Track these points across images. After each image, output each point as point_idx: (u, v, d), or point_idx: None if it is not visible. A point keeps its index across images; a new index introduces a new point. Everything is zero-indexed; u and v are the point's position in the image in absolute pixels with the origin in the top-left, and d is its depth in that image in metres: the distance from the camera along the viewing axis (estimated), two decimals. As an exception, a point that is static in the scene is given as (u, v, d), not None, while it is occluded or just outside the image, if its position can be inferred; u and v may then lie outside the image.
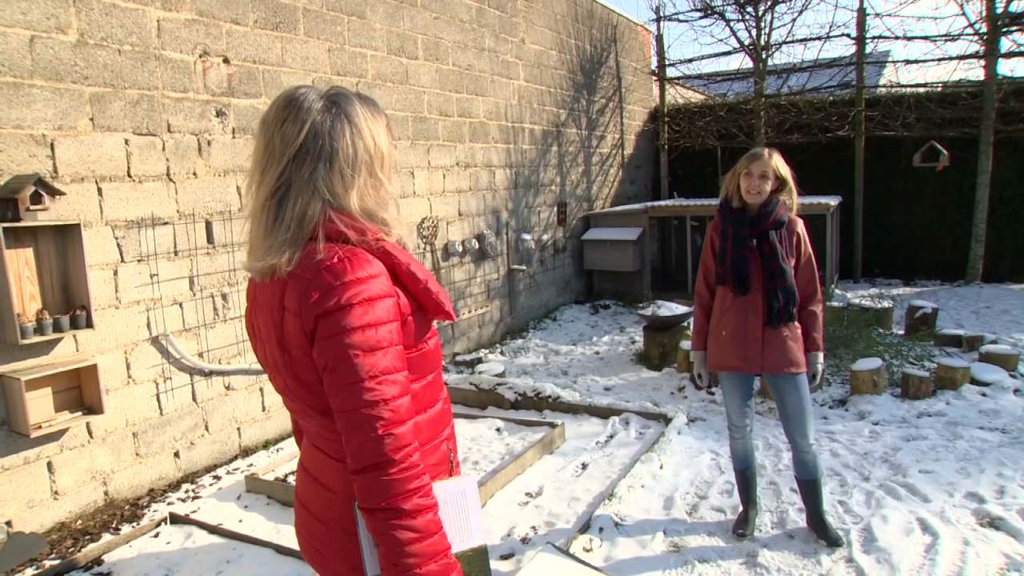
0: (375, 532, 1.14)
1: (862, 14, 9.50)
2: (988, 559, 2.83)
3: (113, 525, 3.45)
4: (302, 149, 1.19)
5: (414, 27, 5.83)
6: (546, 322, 7.90)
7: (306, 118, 1.19)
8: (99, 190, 3.57)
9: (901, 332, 6.50)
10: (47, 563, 3.11)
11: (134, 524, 3.45)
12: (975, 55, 8.94)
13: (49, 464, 3.40)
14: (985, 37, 8.63)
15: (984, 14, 8.59)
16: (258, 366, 4.41)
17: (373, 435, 1.11)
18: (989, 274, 9.07)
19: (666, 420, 4.48)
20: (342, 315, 1.13)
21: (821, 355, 2.99)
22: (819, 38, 9.75)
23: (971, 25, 8.72)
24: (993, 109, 8.54)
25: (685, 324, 6.11)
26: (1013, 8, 8.42)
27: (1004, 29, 8.52)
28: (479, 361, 6.15)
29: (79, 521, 3.48)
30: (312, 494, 1.33)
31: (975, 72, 9.34)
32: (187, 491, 3.83)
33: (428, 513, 1.14)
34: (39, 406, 3.27)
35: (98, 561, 3.13)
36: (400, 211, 1.34)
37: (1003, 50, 8.65)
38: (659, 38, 11.03)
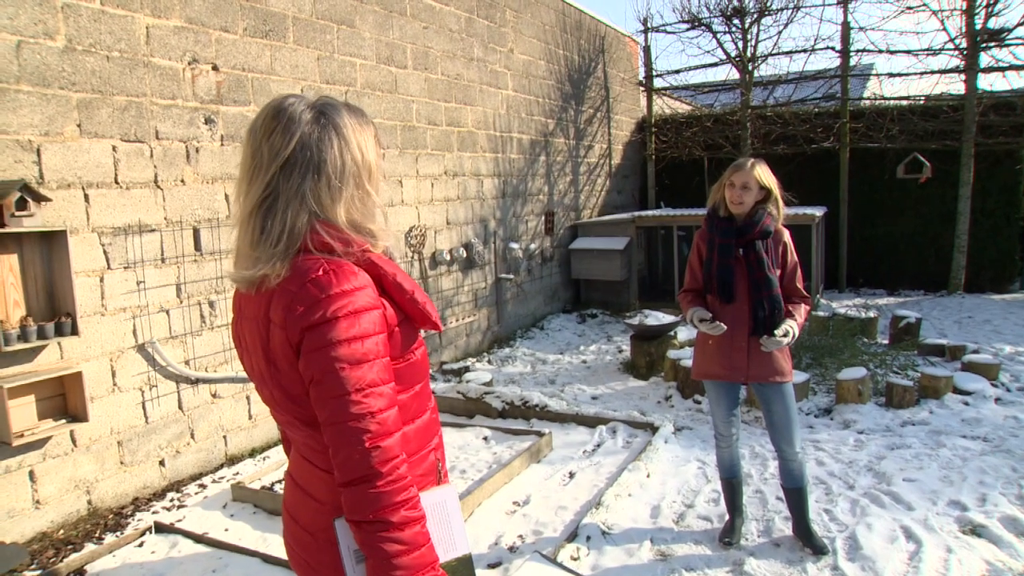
0: (362, 545, 1.14)
1: (846, 28, 9.64)
2: (970, 566, 2.86)
3: (96, 535, 3.41)
4: (290, 160, 1.19)
5: (403, 36, 5.85)
6: (533, 331, 7.92)
7: (295, 129, 1.19)
8: (86, 196, 3.55)
9: (885, 342, 6.57)
10: (27, 574, 3.07)
11: (118, 533, 3.41)
12: (956, 70, 9.10)
13: (31, 473, 3.36)
14: (965, 52, 8.79)
15: (964, 30, 8.76)
16: (245, 374, 4.39)
17: (360, 448, 1.11)
18: (971, 284, 9.20)
19: (653, 429, 4.49)
20: (328, 328, 1.13)
21: (795, 324, 2.90)
22: (804, 51, 9.90)
23: (951, 40, 8.88)
24: (974, 122, 8.69)
25: (672, 333, 6.14)
26: (991, 25, 8.58)
27: (983, 45, 8.68)
28: (466, 370, 6.15)
29: (61, 531, 3.44)
30: (300, 504, 1.33)
31: (956, 86, 9.50)
32: (172, 500, 3.79)
33: (416, 525, 1.15)
34: (22, 414, 3.24)
35: (80, 571, 3.09)
36: (388, 220, 1.34)
37: (982, 65, 8.81)
38: (647, 49, 11.13)
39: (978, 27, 8.59)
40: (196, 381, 4.14)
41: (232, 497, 3.75)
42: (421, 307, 1.27)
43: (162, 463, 3.96)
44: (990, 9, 8.49)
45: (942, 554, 2.96)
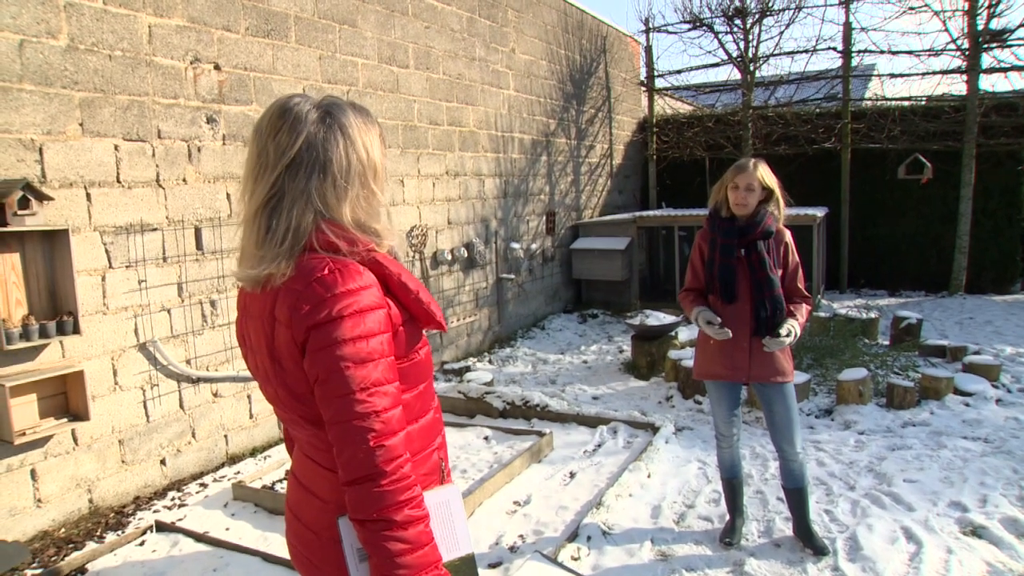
0: (366, 543, 1.14)
1: (848, 28, 9.64)
2: (971, 567, 2.86)
3: (98, 533, 3.42)
4: (296, 159, 1.19)
5: (405, 36, 5.86)
6: (534, 331, 7.92)
7: (301, 129, 1.19)
8: (88, 195, 3.56)
9: (886, 342, 6.57)
10: (29, 572, 3.07)
11: (119, 532, 3.41)
12: (957, 70, 9.10)
13: (33, 471, 3.36)
14: (967, 53, 8.79)
15: (966, 31, 8.75)
16: (246, 373, 4.39)
17: (364, 447, 1.12)
18: (972, 285, 9.20)
19: (654, 429, 4.49)
20: (333, 327, 1.13)
21: (796, 323, 2.91)
22: (806, 51, 9.89)
23: (953, 41, 8.88)
24: (975, 123, 8.69)
25: (673, 333, 6.14)
26: (993, 25, 8.58)
27: (985, 46, 8.68)
28: (467, 370, 6.15)
29: (63, 529, 3.44)
30: (303, 503, 1.33)
31: (958, 87, 9.51)
32: (173, 499, 3.79)
33: (419, 524, 1.15)
34: (23, 413, 3.24)
35: (82, 570, 3.10)
36: (391, 220, 1.34)
37: (984, 66, 8.81)
38: (648, 49, 11.13)
39: (980, 28, 8.59)
40: (197, 380, 4.14)
41: (233, 496, 3.75)
42: (426, 307, 1.28)
43: (163, 462, 3.96)
44: (992, 10, 8.49)
45: (942, 555, 2.96)
